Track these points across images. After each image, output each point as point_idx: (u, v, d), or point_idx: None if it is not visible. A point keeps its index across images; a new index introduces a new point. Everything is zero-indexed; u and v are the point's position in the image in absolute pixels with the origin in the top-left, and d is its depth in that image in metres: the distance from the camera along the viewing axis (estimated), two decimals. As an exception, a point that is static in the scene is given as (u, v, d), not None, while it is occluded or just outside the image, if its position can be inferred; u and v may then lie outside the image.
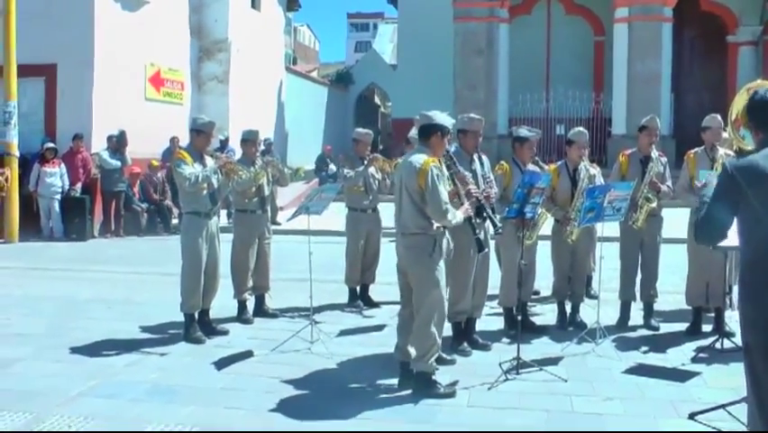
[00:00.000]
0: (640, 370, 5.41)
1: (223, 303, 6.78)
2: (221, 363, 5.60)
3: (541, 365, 5.37)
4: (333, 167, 18.37)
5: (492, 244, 6.34)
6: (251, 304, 7.09)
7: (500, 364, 5.37)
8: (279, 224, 11.37)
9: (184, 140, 12.01)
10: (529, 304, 6.91)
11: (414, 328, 4.90)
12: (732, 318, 5.95)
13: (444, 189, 4.83)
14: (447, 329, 5.40)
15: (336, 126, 26.43)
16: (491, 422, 4.44)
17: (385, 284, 7.42)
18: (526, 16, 21.48)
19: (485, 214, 5.35)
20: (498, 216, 5.50)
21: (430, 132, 4.95)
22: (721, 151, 6.33)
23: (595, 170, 6.75)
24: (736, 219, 3.07)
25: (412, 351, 4.90)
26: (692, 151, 6.61)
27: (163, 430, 4.31)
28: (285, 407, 4.67)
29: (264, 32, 20.03)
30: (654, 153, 6.61)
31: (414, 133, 6.37)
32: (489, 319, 6.65)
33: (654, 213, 6.55)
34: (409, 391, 4.87)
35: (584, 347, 5.93)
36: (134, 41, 14.67)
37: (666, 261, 6.95)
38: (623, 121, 18.23)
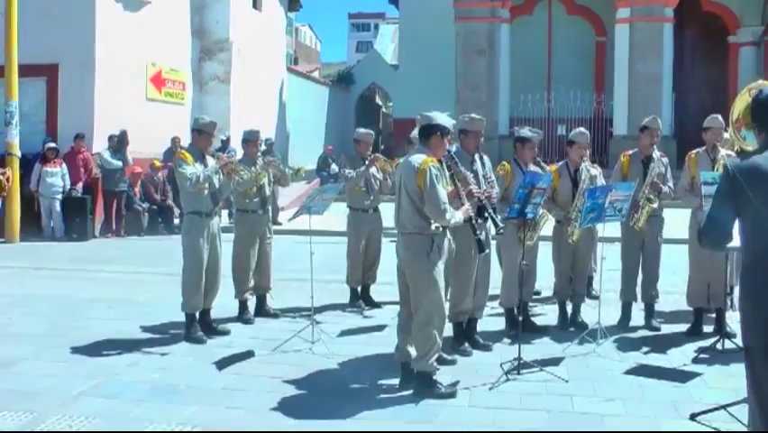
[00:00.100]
0: (641, 370, 5.41)
1: (224, 303, 6.78)
2: (222, 363, 5.60)
3: (542, 366, 5.37)
4: (334, 167, 18.34)
5: (493, 244, 6.34)
6: (252, 304, 7.09)
7: (501, 365, 5.37)
8: (281, 224, 11.39)
9: (185, 140, 12.03)
10: (530, 304, 6.91)
11: (413, 329, 4.90)
12: (733, 319, 5.96)
13: (443, 189, 4.82)
14: (448, 329, 5.39)
15: (337, 126, 26.45)
16: (492, 422, 4.44)
17: (386, 284, 7.42)
18: (528, 16, 21.49)
19: (486, 214, 5.36)
20: (499, 216, 5.49)
21: (430, 132, 4.95)
22: (722, 151, 6.33)
23: (596, 171, 6.75)
24: (737, 220, 3.07)
25: (412, 351, 4.91)
26: (693, 151, 6.62)
27: (164, 430, 4.31)
28: (286, 407, 4.67)
29: (265, 32, 20.04)
30: (656, 154, 6.61)
31: (415, 133, 6.37)
32: (490, 320, 6.64)
33: (656, 213, 6.55)
34: (410, 392, 4.86)
35: (585, 348, 5.93)
36: (136, 42, 14.68)
37: (667, 261, 6.95)
38: (624, 121, 18.25)
